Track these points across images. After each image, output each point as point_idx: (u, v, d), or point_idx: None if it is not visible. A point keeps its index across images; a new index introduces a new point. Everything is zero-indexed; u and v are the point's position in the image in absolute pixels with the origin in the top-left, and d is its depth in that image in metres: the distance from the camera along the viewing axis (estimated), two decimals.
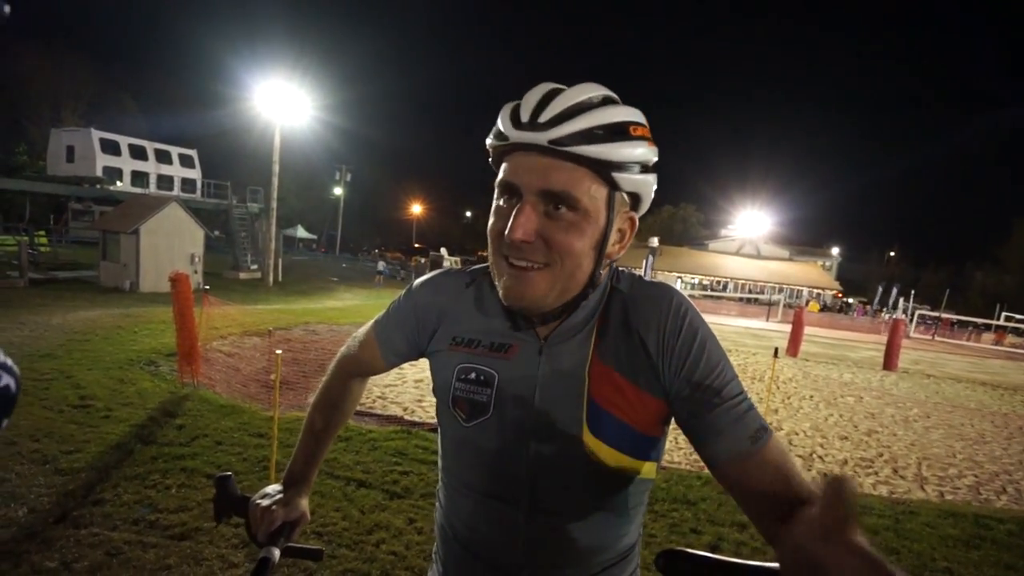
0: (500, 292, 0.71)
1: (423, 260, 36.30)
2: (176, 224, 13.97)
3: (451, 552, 0.82)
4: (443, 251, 17.42)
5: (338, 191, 54.55)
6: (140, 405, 4.48)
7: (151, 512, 2.77)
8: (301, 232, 45.59)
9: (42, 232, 21.66)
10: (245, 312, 10.14)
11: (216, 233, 24.94)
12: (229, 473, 0.92)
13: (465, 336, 0.78)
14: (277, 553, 0.85)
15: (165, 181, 33.44)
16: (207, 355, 6.20)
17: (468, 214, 72.21)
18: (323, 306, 14.12)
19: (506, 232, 0.66)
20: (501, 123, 0.69)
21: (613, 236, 0.71)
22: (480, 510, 0.78)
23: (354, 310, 13.32)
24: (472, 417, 0.76)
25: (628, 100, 0.70)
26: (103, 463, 3.30)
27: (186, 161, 35.80)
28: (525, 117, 0.66)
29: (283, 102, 18.49)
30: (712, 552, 0.58)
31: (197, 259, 14.39)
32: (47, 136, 32.95)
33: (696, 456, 4.69)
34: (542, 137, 0.64)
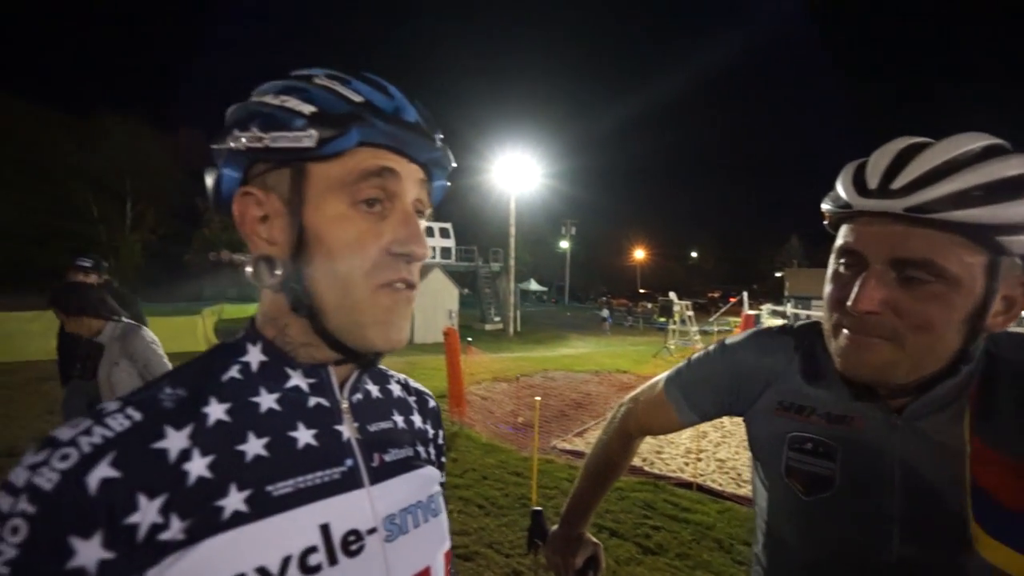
0: (837, 361, 0.65)
1: (649, 305, 35.67)
2: (438, 286, 17.17)
3: None
4: (672, 295, 16.81)
5: (564, 244, 58.40)
6: None
7: None
8: (534, 285, 49.87)
9: None
10: (493, 360, 11.45)
11: (465, 290, 29.20)
12: (541, 508, 1.06)
13: (795, 402, 0.74)
14: None
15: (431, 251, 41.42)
16: (467, 398, 7.17)
17: (693, 255, 69.12)
18: (558, 354, 14.99)
19: (849, 302, 0.61)
20: (842, 188, 0.64)
21: (996, 306, 0.59)
22: None
23: (587, 357, 13.78)
24: (812, 491, 0.71)
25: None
26: None
27: (444, 233, 43.40)
28: (873, 183, 0.60)
29: (517, 172, 21.14)
30: None
31: (453, 314, 17.13)
32: None
33: None
34: (896, 205, 0.58)
